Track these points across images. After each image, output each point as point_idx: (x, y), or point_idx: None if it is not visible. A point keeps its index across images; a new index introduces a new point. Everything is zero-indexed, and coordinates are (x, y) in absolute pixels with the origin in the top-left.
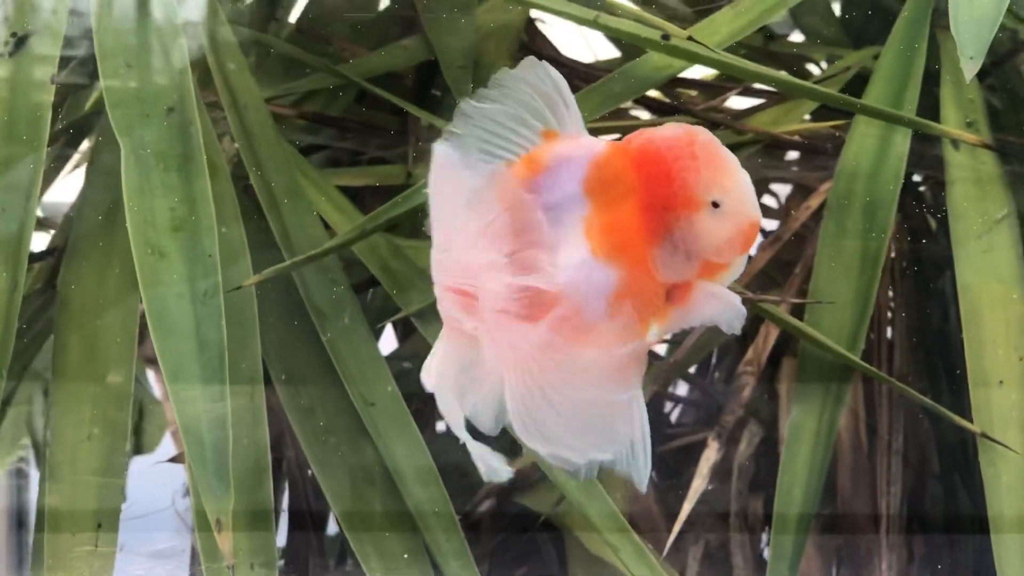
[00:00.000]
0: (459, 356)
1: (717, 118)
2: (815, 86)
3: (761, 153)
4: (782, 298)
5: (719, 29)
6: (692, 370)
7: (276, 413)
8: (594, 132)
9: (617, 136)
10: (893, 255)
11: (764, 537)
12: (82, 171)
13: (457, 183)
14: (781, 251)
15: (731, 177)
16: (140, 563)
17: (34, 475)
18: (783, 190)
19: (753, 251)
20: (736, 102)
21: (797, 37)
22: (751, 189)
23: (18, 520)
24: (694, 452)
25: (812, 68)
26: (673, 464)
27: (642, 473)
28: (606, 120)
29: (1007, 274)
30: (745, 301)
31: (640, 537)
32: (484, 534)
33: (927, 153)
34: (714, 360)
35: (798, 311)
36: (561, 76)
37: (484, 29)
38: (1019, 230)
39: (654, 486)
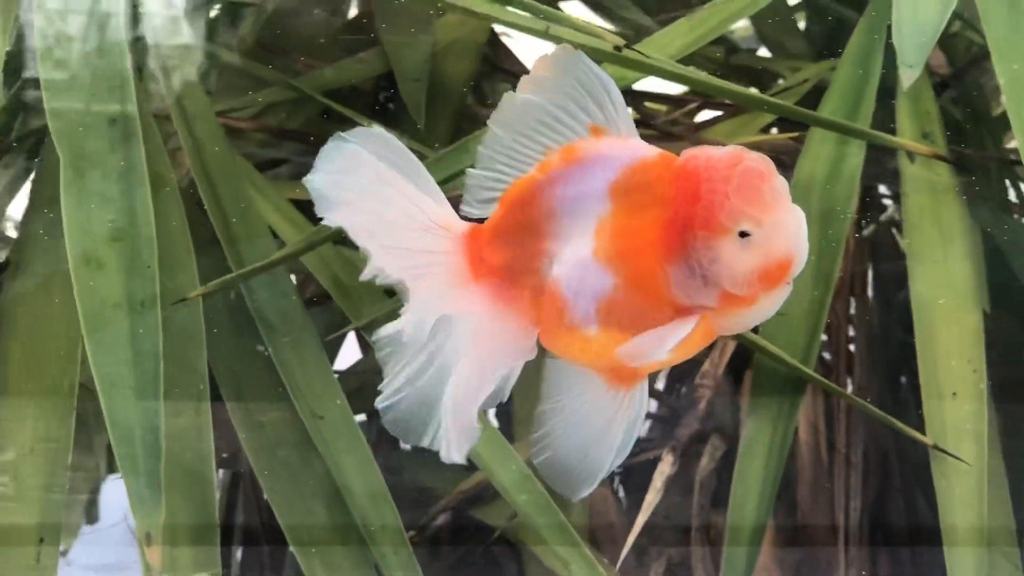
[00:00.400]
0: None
1: (675, 130)
2: (770, 98)
3: None
4: None
5: (673, 41)
6: (660, 386)
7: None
8: None
9: None
10: (853, 268)
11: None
12: None
13: None
14: None
15: (767, 210)
16: None
17: None
18: None
19: None
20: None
21: (766, 52)
22: (792, 228)
23: None
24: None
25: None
26: (638, 479)
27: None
28: None
29: (961, 286)
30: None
31: (596, 550)
32: (444, 548)
33: (889, 166)
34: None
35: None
36: (608, 76)
37: (444, 43)
38: (974, 242)
39: (617, 500)
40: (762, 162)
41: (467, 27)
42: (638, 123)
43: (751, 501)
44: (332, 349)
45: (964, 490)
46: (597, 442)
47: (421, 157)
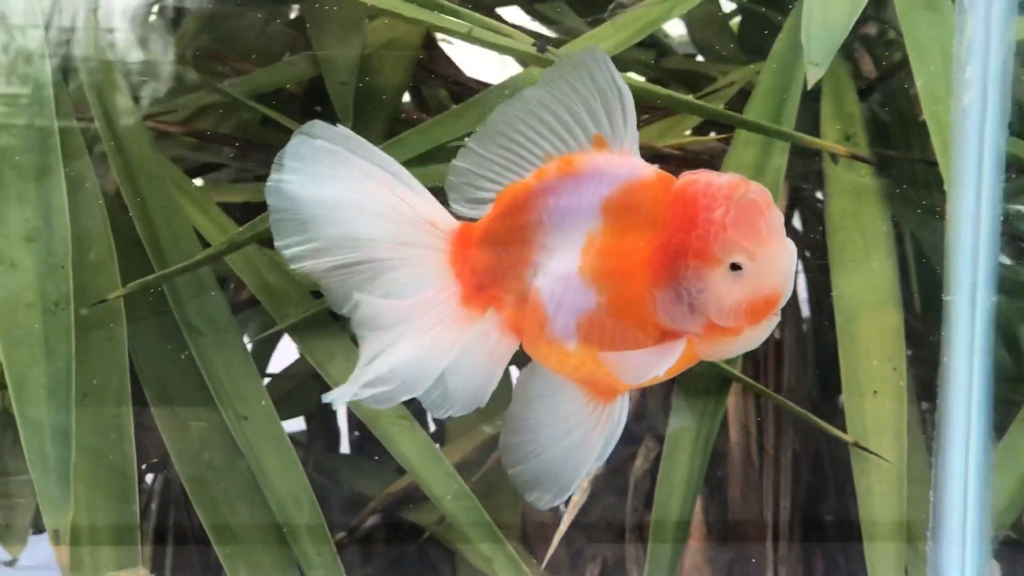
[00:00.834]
0: None
1: None
2: (695, 100)
3: None
4: None
5: (599, 44)
6: None
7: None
8: None
9: None
10: None
11: None
12: None
13: None
14: None
15: (761, 245)
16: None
17: None
18: None
19: None
20: None
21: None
22: (783, 264)
23: None
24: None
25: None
26: None
27: None
28: None
29: (882, 285)
30: None
31: (527, 550)
32: (378, 549)
33: (816, 167)
34: None
35: None
36: (628, 87)
37: (376, 45)
38: (895, 242)
39: None
40: (761, 194)
41: (399, 31)
42: None
43: (676, 498)
44: (266, 351)
45: (884, 486)
46: (575, 456)
47: None
